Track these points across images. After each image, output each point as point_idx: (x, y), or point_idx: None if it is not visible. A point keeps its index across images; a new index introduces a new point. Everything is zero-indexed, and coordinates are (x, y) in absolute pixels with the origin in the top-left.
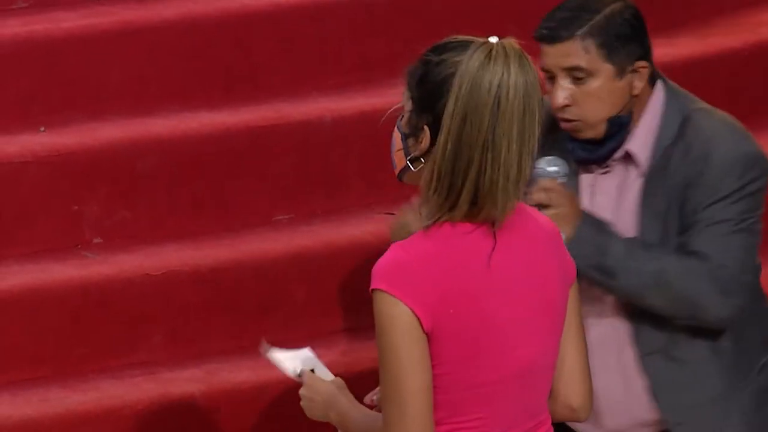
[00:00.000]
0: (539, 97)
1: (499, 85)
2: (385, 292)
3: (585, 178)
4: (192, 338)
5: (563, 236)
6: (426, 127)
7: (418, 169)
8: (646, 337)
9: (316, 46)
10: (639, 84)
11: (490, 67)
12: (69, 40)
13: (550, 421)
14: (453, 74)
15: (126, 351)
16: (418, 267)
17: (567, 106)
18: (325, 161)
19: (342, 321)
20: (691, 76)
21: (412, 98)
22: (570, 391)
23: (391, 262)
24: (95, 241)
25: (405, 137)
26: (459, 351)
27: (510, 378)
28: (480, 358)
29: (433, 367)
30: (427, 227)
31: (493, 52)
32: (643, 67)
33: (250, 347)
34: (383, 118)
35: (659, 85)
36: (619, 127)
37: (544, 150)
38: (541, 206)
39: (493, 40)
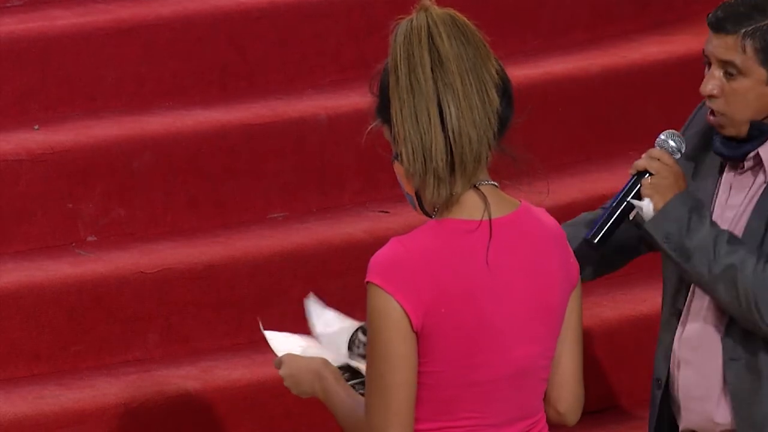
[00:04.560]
0: (474, 28)
1: (429, 34)
2: (379, 286)
3: (727, 176)
4: (187, 336)
5: (651, 206)
6: None
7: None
8: (735, 341)
9: (312, 44)
10: None
11: (414, 25)
12: (64, 38)
13: (544, 421)
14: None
15: (121, 348)
16: (414, 264)
17: (713, 96)
18: (321, 159)
19: None
20: (687, 73)
21: (381, 117)
22: (559, 395)
23: (387, 257)
24: (90, 239)
25: (399, 158)
26: (454, 349)
27: (505, 378)
28: (475, 357)
29: (425, 364)
30: (434, 215)
31: (414, 16)
32: None
33: (245, 345)
34: (363, 139)
35: None
36: (760, 132)
37: (689, 135)
38: (644, 173)
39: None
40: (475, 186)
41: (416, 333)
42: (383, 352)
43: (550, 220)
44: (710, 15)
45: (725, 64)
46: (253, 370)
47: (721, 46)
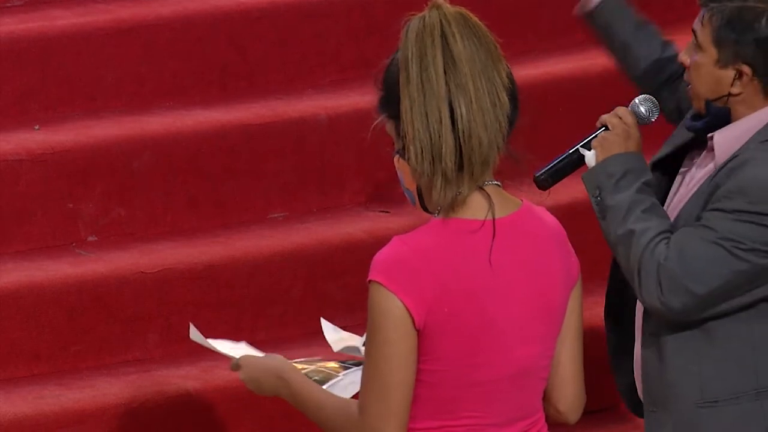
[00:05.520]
0: (486, 30)
1: (442, 33)
2: (382, 284)
3: (697, 152)
4: (187, 335)
5: (593, 156)
6: None
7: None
8: (651, 315)
9: (312, 43)
10: (739, 86)
11: (427, 23)
12: (64, 38)
13: (543, 420)
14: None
15: (121, 348)
16: (417, 262)
17: (684, 65)
18: (321, 159)
19: (337, 318)
20: None
21: (387, 113)
22: (560, 394)
23: (391, 256)
24: (90, 239)
25: (402, 154)
26: (455, 348)
27: (507, 378)
28: (477, 356)
29: (427, 362)
30: (442, 215)
31: (427, 13)
32: (746, 73)
33: None
34: (368, 135)
35: None
36: (712, 112)
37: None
38: (604, 128)
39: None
40: (479, 186)
41: (418, 331)
42: (384, 351)
43: (551, 219)
44: None
45: (694, 35)
46: None
47: (698, 17)
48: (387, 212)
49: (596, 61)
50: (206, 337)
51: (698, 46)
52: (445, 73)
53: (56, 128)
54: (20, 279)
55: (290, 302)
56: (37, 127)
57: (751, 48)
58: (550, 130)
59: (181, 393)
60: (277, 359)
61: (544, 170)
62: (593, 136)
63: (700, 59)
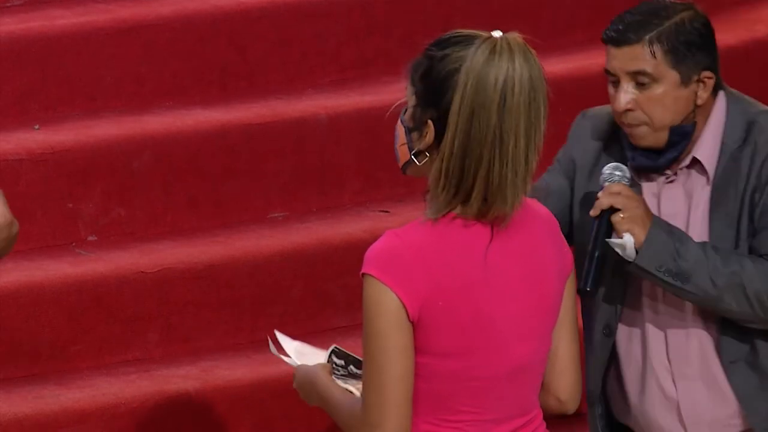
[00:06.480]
0: (544, 91)
1: (504, 81)
2: (375, 277)
3: (647, 187)
4: (187, 335)
5: (634, 241)
6: (430, 122)
7: (422, 163)
8: (730, 345)
9: (312, 43)
10: (704, 94)
11: (495, 63)
12: (64, 38)
13: (541, 417)
14: (457, 69)
15: (121, 348)
16: (410, 256)
17: (629, 110)
18: (321, 159)
19: (337, 318)
20: None
21: (415, 93)
22: (560, 384)
23: (384, 249)
24: (90, 238)
25: (408, 131)
26: (449, 343)
27: (504, 375)
28: (473, 352)
29: (422, 356)
30: (436, 219)
31: (498, 47)
32: (709, 78)
33: (245, 344)
34: (388, 113)
35: (721, 94)
36: (681, 136)
37: (602, 159)
38: (610, 210)
39: (497, 34)
40: None
41: (412, 323)
42: (380, 343)
43: (543, 210)
44: (607, 31)
45: (636, 75)
46: (253, 369)
47: (626, 58)
48: (387, 212)
49: (596, 61)
50: (207, 337)
51: (652, 80)
52: (497, 121)
53: (56, 128)
54: (20, 279)
55: (290, 302)
56: (37, 127)
57: (701, 52)
58: (549, 130)
59: (181, 393)
60: (317, 366)
61: (585, 280)
62: (603, 224)
63: (659, 90)
